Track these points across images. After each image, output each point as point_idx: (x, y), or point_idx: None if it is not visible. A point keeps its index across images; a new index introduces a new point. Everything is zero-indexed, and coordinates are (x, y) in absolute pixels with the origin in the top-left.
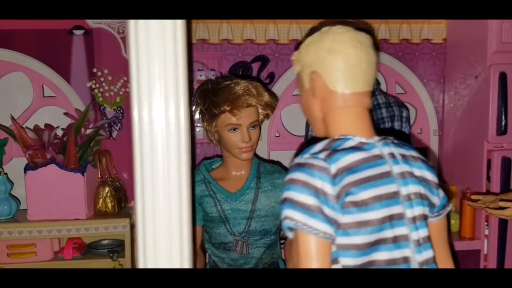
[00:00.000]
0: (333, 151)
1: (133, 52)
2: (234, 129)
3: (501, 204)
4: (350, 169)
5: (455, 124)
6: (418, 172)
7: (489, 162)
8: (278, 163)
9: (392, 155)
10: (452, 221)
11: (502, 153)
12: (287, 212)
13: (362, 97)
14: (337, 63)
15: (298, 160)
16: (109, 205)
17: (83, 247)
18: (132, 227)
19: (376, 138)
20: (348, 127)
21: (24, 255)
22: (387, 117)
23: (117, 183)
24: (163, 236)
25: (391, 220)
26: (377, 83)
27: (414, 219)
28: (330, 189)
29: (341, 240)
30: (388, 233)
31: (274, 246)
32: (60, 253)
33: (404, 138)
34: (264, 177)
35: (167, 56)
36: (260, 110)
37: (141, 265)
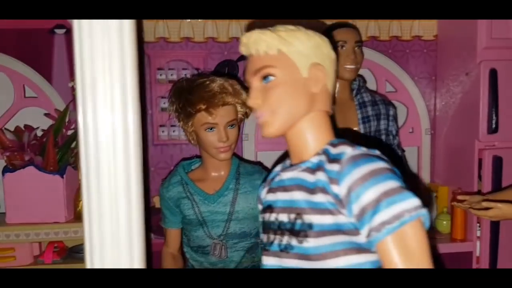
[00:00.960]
0: None
1: (77, 53)
2: (211, 129)
3: (485, 204)
4: None
5: (447, 122)
6: None
7: (480, 161)
8: (259, 163)
9: None
10: (444, 222)
11: (493, 152)
12: (418, 201)
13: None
14: (335, 65)
15: (367, 151)
16: None
17: (64, 251)
18: None
19: None
20: (333, 133)
21: (3, 260)
22: (373, 115)
23: None
24: (110, 249)
25: None
26: (363, 80)
27: None
28: None
29: None
30: None
31: (255, 249)
32: (40, 257)
33: (391, 137)
34: (243, 178)
35: (112, 57)
36: (238, 109)
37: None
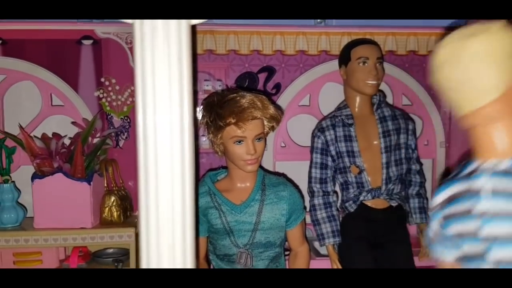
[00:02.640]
0: None
1: (138, 54)
2: (239, 142)
3: None
4: None
5: (462, 135)
6: None
7: None
8: (283, 175)
9: None
10: None
11: None
12: None
13: None
14: None
15: None
16: (115, 214)
17: (88, 256)
18: (137, 236)
19: None
20: None
21: (30, 263)
22: (393, 129)
23: (123, 192)
24: (167, 245)
25: None
26: (383, 95)
27: None
28: None
29: None
30: None
31: (279, 258)
32: (65, 261)
33: (410, 151)
34: (269, 189)
35: (171, 59)
36: (265, 123)
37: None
